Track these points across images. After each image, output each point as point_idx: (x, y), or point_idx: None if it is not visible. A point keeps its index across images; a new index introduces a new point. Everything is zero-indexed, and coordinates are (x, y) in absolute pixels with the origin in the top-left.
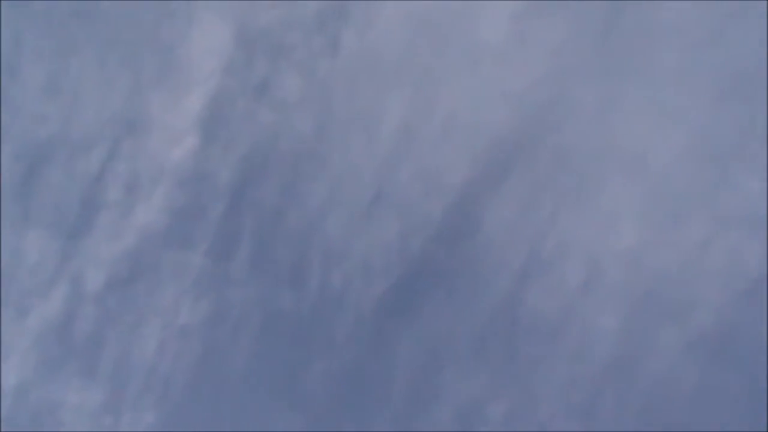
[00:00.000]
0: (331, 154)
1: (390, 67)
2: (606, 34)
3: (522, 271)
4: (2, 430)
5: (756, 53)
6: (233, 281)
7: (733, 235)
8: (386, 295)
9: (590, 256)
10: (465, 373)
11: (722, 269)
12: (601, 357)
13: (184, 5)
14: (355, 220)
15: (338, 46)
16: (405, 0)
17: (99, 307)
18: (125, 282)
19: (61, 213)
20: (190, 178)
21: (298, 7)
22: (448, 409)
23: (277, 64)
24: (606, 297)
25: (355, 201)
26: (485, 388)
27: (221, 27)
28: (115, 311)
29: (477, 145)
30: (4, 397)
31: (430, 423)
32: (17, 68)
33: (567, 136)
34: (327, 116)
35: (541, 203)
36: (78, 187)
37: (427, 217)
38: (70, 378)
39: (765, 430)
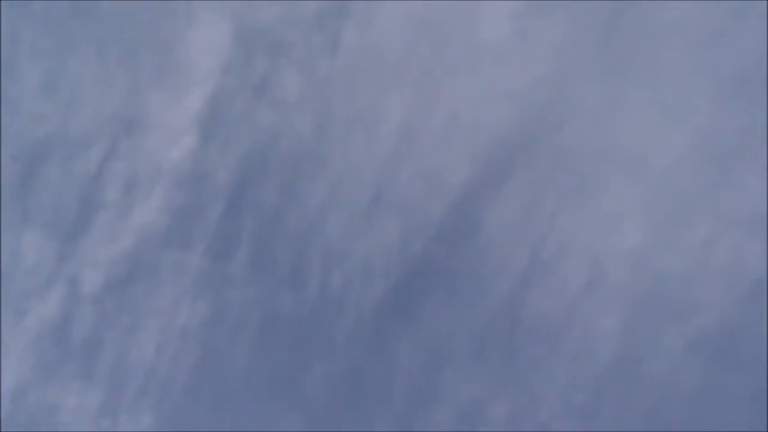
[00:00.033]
0: (331, 153)
1: (391, 66)
2: (608, 33)
3: (523, 271)
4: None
5: (759, 53)
6: (232, 282)
7: (737, 235)
8: (386, 296)
9: (592, 256)
10: (466, 375)
11: (725, 270)
12: (602, 358)
13: (183, 4)
14: (355, 220)
15: (338, 45)
16: None
17: (97, 308)
18: (123, 283)
19: (58, 213)
20: (189, 177)
21: (298, 5)
22: (449, 410)
23: (276, 63)
24: (608, 298)
25: (355, 201)
26: (486, 389)
27: (220, 25)
28: (113, 312)
29: (478, 145)
30: (1, 399)
31: (430, 425)
32: (15, 67)
33: (569, 136)
34: (327, 115)
35: (543, 203)
36: (76, 186)
37: (427, 218)
38: (67, 380)
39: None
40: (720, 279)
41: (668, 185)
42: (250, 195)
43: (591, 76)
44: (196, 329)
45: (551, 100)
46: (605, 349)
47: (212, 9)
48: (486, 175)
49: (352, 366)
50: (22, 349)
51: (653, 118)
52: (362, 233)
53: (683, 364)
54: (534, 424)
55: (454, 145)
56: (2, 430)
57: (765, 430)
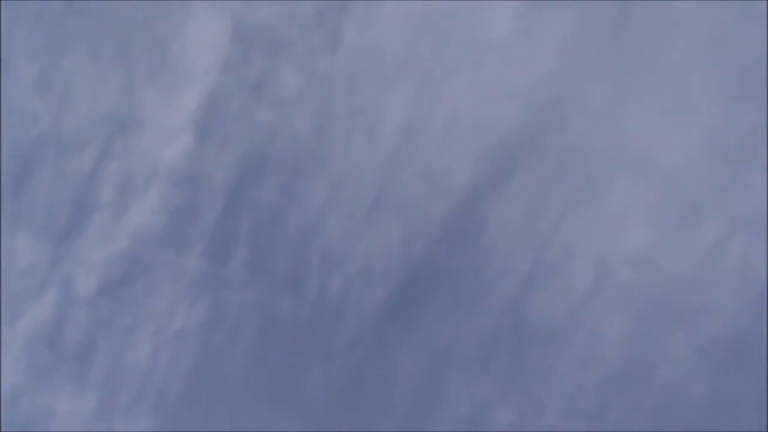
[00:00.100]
0: (331, 153)
1: (392, 64)
2: (615, 30)
3: (527, 274)
4: None
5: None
6: (230, 285)
7: (747, 237)
8: (388, 299)
9: (598, 259)
10: (469, 380)
11: (735, 273)
12: (609, 363)
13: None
14: (356, 222)
15: (338, 42)
16: None
17: (91, 311)
18: (118, 285)
19: (51, 214)
20: (185, 178)
21: (297, 2)
22: (452, 416)
23: (275, 61)
24: (614, 301)
25: (355, 202)
26: (490, 394)
27: (217, 22)
28: (107, 316)
29: (481, 145)
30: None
31: (433, 431)
32: (7, 65)
33: (574, 136)
34: (327, 115)
35: (548, 205)
36: (69, 187)
37: (429, 219)
38: (61, 384)
39: None
40: (730, 282)
41: (676, 186)
42: (248, 196)
43: (597, 75)
44: (192, 333)
45: (556, 99)
46: (611, 353)
47: (209, 5)
48: (489, 176)
49: (352, 371)
50: (14, 352)
51: (660, 117)
52: (363, 235)
53: (692, 369)
54: (539, 429)
55: (456, 144)
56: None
57: None
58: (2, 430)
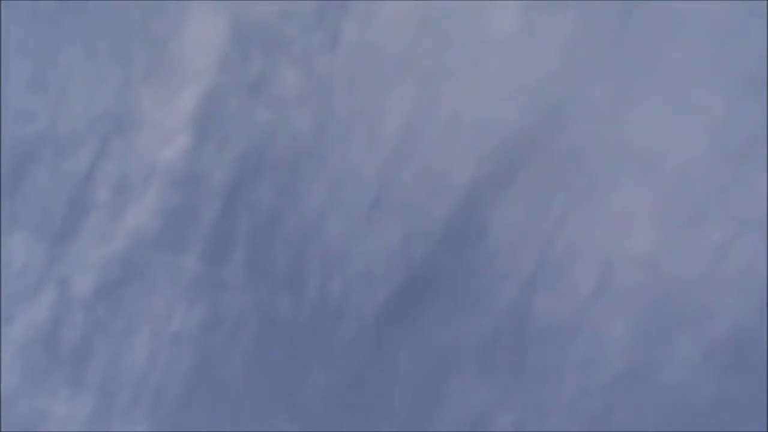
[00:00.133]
0: (331, 153)
1: (393, 63)
2: (619, 28)
3: (530, 275)
4: None
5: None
6: (228, 287)
7: (752, 238)
8: (388, 302)
9: (602, 260)
10: (471, 383)
11: (740, 274)
12: (613, 366)
13: None
14: (356, 223)
15: (338, 40)
16: None
17: (88, 313)
18: (115, 287)
19: (47, 214)
20: (183, 178)
21: (296, 0)
22: (454, 420)
23: (273, 60)
24: (618, 303)
25: (355, 203)
26: (492, 398)
27: (215, 20)
28: (104, 317)
29: (483, 145)
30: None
31: None
32: (2, 63)
33: (578, 135)
34: (326, 114)
35: (551, 205)
36: (65, 187)
37: (430, 220)
38: (57, 388)
39: None
40: (735, 283)
41: (681, 186)
42: (247, 196)
43: (599, 75)
44: (190, 335)
45: (559, 98)
46: (615, 356)
47: (207, 4)
48: (492, 176)
49: (352, 374)
50: (10, 355)
51: (665, 116)
52: (363, 236)
53: (697, 372)
54: None
55: (458, 144)
56: None
57: None
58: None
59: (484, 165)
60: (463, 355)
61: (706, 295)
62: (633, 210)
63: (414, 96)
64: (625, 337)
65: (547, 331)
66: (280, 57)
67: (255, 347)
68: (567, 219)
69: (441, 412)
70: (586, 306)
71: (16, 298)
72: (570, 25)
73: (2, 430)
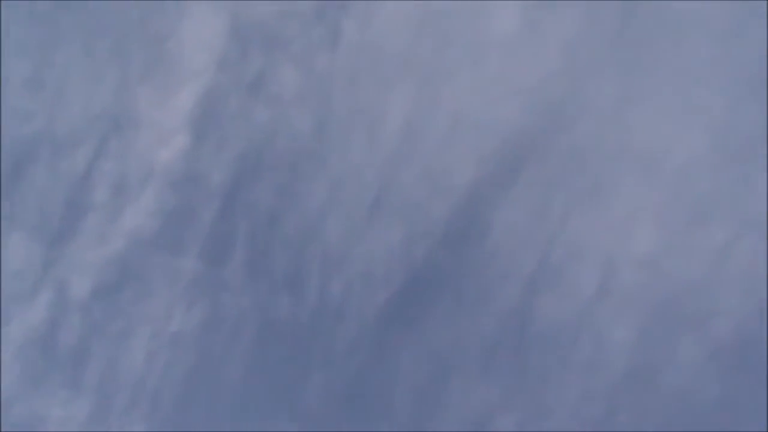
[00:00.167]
0: (331, 153)
1: (393, 61)
2: (622, 27)
3: (532, 277)
4: None
5: None
6: (227, 287)
7: (755, 239)
8: (389, 303)
9: (604, 261)
10: (472, 385)
11: (744, 275)
12: (616, 368)
13: None
14: (356, 223)
15: (338, 39)
16: None
17: (85, 315)
18: (113, 288)
19: (44, 215)
20: (182, 178)
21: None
22: (455, 422)
23: (273, 58)
24: (621, 304)
25: (355, 203)
26: (494, 400)
27: (214, 19)
28: (102, 319)
29: (485, 145)
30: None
31: None
32: (0, 62)
33: (579, 135)
34: (326, 113)
35: (553, 205)
36: (63, 187)
37: (431, 220)
38: (54, 390)
39: None
40: (738, 284)
41: (684, 186)
42: (246, 196)
43: (601, 75)
44: (189, 337)
45: (560, 98)
46: (618, 357)
47: (205, 3)
48: (493, 176)
49: (353, 376)
50: (6, 357)
51: (668, 116)
52: (363, 236)
53: (700, 374)
54: None
55: (459, 144)
56: None
57: None
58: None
59: (485, 165)
60: (465, 356)
61: (709, 296)
62: (635, 210)
63: (414, 96)
64: (627, 337)
65: (548, 332)
66: (279, 56)
67: (255, 348)
68: (568, 219)
69: (442, 414)
70: (589, 307)
71: (13, 299)
72: (571, 25)
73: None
